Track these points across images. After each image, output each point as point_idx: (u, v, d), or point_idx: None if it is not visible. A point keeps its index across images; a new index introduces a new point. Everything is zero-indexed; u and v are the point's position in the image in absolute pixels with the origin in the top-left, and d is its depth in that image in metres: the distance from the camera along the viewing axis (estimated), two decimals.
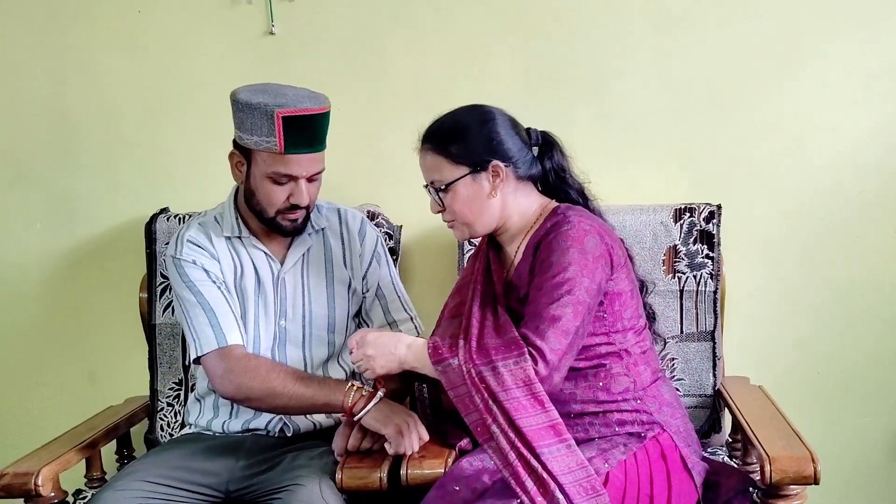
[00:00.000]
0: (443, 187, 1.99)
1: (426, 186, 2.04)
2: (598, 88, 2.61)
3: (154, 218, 2.57)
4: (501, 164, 1.97)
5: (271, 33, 2.65)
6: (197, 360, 2.17)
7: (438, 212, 2.05)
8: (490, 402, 1.80)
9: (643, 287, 2.12)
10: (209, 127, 2.61)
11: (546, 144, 2.07)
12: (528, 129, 2.07)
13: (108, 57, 2.71)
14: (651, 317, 2.15)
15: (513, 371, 1.81)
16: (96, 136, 2.75)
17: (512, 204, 2.01)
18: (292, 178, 2.12)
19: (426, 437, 2.01)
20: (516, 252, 2.04)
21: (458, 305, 2.09)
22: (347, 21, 2.65)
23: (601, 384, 1.94)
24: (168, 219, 2.56)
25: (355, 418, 2.00)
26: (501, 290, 2.03)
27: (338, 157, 2.57)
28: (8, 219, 2.79)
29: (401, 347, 1.95)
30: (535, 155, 2.05)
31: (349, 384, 2.05)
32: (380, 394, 2.01)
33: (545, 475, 1.75)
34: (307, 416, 2.23)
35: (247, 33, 2.67)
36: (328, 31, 2.65)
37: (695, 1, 2.55)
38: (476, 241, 2.30)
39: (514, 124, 2.04)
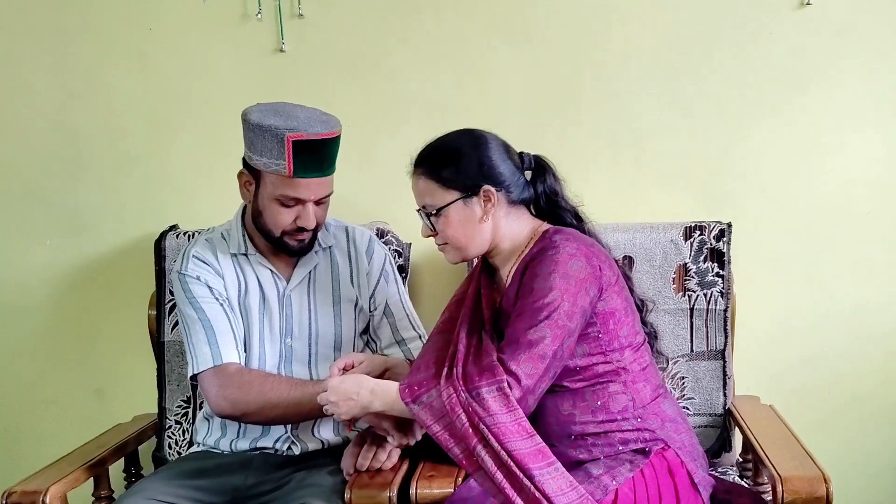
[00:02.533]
0: (434, 212, 2.00)
1: (418, 210, 2.05)
2: (607, 105, 2.61)
3: (163, 235, 2.57)
4: (493, 189, 1.97)
5: (281, 50, 2.66)
6: (194, 378, 2.17)
7: (429, 235, 2.06)
8: (479, 425, 1.79)
9: (643, 305, 2.12)
10: (218, 144, 2.61)
11: (539, 168, 2.07)
12: (520, 154, 2.07)
13: (117, 73, 2.72)
14: (653, 335, 2.14)
15: (496, 397, 1.81)
16: (105, 153, 2.75)
17: (504, 228, 2.02)
18: (300, 202, 2.12)
19: None
20: (508, 276, 2.04)
21: (447, 321, 2.09)
22: (356, 38, 2.65)
23: (599, 403, 1.93)
24: (177, 236, 2.56)
25: (356, 424, 1.98)
26: (489, 315, 2.04)
27: (347, 174, 2.57)
28: (17, 235, 2.80)
29: (363, 393, 1.94)
30: (528, 179, 2.06)
31: None
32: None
33: (539, 496, 1.74)
34: (315, 433, 2.23)
35: (256, 50, 2.67)
36: (337, 47, 2.66)
37: (704, 18, 2.55)
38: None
39: (507, 149, 2.05)
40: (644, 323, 2.09)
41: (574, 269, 1.89)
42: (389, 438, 2.00)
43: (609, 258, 2.02)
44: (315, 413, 2.07)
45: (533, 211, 2.09)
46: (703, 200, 2.59)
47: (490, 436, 1.78)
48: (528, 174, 2.06)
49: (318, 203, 2.15)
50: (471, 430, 1.80)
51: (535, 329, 1.85)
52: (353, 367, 2.08)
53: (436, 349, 2.02)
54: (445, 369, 1.90)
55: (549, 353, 1.84)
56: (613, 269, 2.00)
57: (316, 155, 2.08)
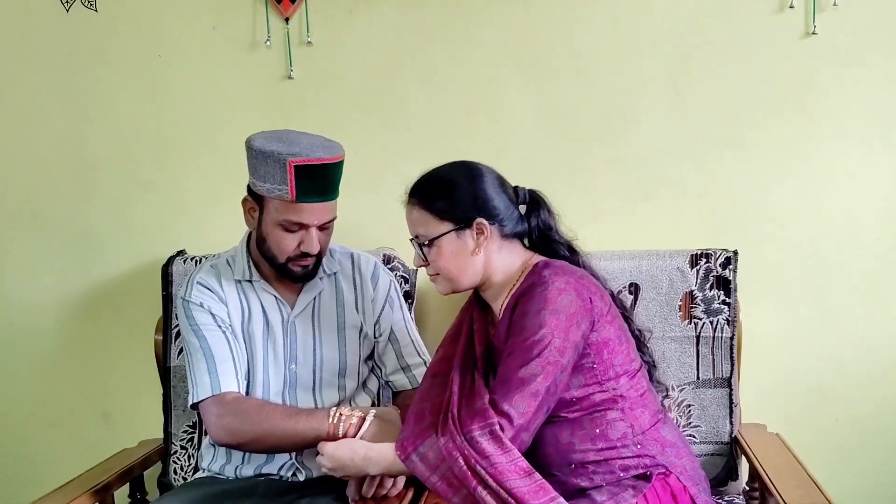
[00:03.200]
0: (427, 242, 2.01)
1: (411, 240, 2.06)
2: (614, 132, 2.62)
3: (171, 260, 2.58)
4: (486, 222, 1.98)
5: (290, 77, 2.68)
6: (194, 406, 2.18)
7: (421, 265, 2.06)
8: (476, 467, 1.80)
9: (641, 336, 2.12)
10: (227, 170, 2.63)
11: (533, 203, 2.08)
12: (515, 188, 2.08)
13: (128, 100, 2.75)
14: (652, 365, 2.14)
15: (489, 440, 1.82)
16: (114, 178, 2.78)
17: (496, 261, 2.02)
18: (303, 227, 2.13)
19: None
20: (500, 310, 2.04)
21: (441, 362, 2.10)
22: (365, 65, 2.67)
23: (598, 431, 1.93)
24: (185, 261, 2.57)
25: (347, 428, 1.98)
26: (482, 351, 2.04)
27: (354, 200, 2.59)
28: (25, 258, 2.82)
29: (357, 461, 1.97)
30: (522, 213, 2.07)
31: (333, 411, 2.04)
32: (370, 417, 1.98)
33: None
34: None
35: (265, 77, 2.69)
36: (346, 75, 2.68)
37: (710, 43, 2.56)
38: None
39: (502, 182, 2.05)
40: (642, 352, 2.09)
41: (564, 304, 1.89)
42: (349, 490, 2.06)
43: (600, 289, 2.01)
44: (309, 443, 2.07)
45: (526, 244, 2.10)
46: (710, 228, 2.58)
47: (488, 477, 1.79)
48: (523, 208, 2.07)
49: (321, 228, 2.16)
50: (470, 474, 1.81)
51: (526, 367, 1.86)
52: None
53: (429, 397, 2.03)
54: (441, 416, 1.91)
55: (541, 391, 1.85)
56: (605, 300, 1.99)
57: (318, 180, 2.09)
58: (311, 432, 2.03)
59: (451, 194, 2.00)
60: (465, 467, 1.81)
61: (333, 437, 2.01)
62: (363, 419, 2.03)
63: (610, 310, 1.99)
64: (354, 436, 2.01)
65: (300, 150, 2.06)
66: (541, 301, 1.89)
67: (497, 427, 1.82)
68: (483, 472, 1.79)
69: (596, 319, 1.94)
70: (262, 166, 2.09)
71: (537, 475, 1.81)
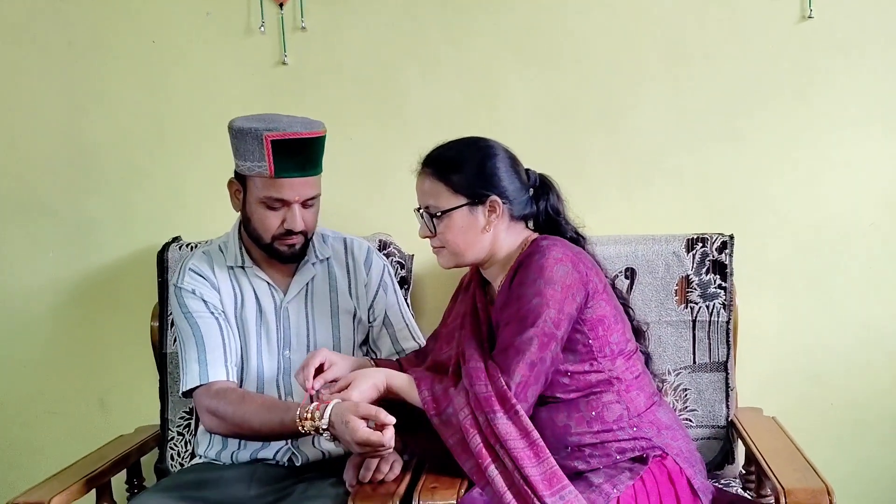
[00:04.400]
0: (438, 213, 2.01)
1: (418, 210, 2.06)
2: (612, 119, 2.62)
3: (166, 247, 2.58)
4: (499, 201, 1.99)
5: (284, 63, 2.67)
6: (184, 394, 2.18)
7: (426, 237, 2.07)
8: (495, 446, 1.83)
9: (638, 331, 2.12)
10: (222, 156, 2.60)
11: (543, 187, 2.10)
12: (527, 170, 2.09)
13: (123, 87, 2.74)
14: (648, 357, 2.14)
15: (510, 422, 1.84)
16: (110, 165, 2.77)
17: (503, 241, 2.04)
18: (285, 203, 2.13)
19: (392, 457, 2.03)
20: (498, 286, 2.05)
21: (451, 333, 2.12)
22: (360, 51, 2.66)
23: (594, 413, 1.94)
24: (180, 247, 2.57)
25: (320, 431, 1.94)
26: (487, 333, 2.04)
27: (350, 186, 2.60)
28: (21, 246, 2.81)
29: (379, 375, 1.99)
30: (531, 196, 2.07)
31: (304, 404, 1.98)
32: (333, 402, 1.93)
33: None
34: (315, 445, 2.23)
35: (259, 63, 2.69)
36: (341, 61, 2.67)
37: (707, 30, 2.56)
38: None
39: (515, 163, 2.07)
40: (638, 340, 2.10)
41: (559, 274, 1.90)
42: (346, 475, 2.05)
43: (596, 267, 2.03)
44: (287, 434, 2.05)
45: (531, 227, 2.11)
46: (708, 215, 2.58)
47: (506, 458, 1.81)
48: (532, 191, 2.08)
49: (305, 205, 2.16)
50: (484, 450, 1.83)
51: (521, 336, 1.88)
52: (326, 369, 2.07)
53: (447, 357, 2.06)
54: (462, 389, 1.92)
55: (536, 361, 1.87)
56: (601, 277, 2.01)
57: (297, 154, 2.09)
58: (280, 426, 2.01)
59: (468, 169, 2.00)
60: (480, 444, 1.84)
61: (297, 432, 1.97)
62: (325, 409, 1.95)
63: (605, 288, 2.00)
64: (319, 421, 1.94)
65: (277, 126, 2.08)
66: (537, 270, 1.91)
67: (518, 410, 1.84)
68: (502, 452, 1.82)
69: (591, 294, 1.95)
70: (242, 144, 2.11)
71: (551, 461, 1.83)
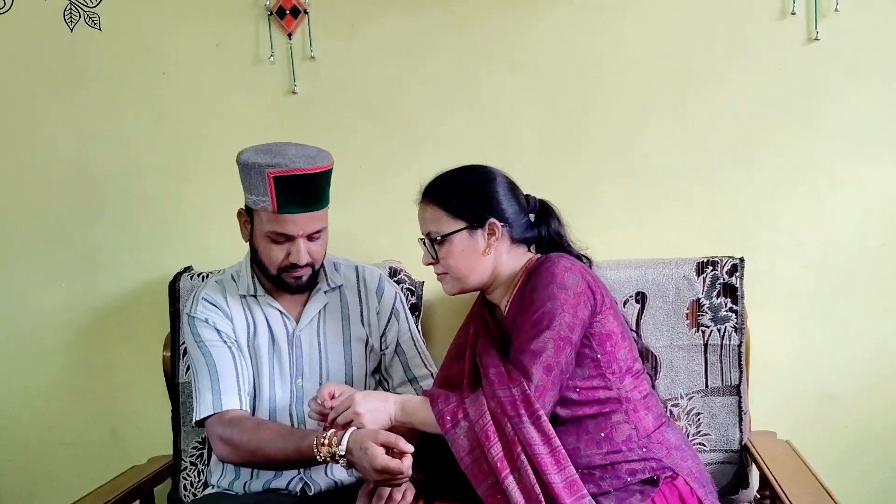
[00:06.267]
0: (439, 238, 2.04)
1: (421, 239, 2.09)
2: (621, 143, 2.62)
3: (178, 276, 2.59)
4: (498, 223, 2.03)
5: (293, 92, 2.69)
6: (197, 424, 2.19)
7: (430, 263, 2.10)
8: (520, 456, 1.82)
9: (644, 355, 2.12)
10: (232, 186, 2.60)
11: (543, 212, 2.13)
12: (526, 196, 2.13)
13: (133, 117, 2.76)
14: (652, 377, 2.14)
15: (535, 428, 1.84)
16: (121, 195, 2.78)
17: (504, 263, 2.06)
18: (288, 238, 2.14)
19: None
20: (506, 306, 2.07)
21: (459, 373, 2.10)
22: (368, 78, 2.68)
23: (603, 435, 1.94)
24: (192, 277, 2.58)
25: (337, 458, 1.94)
26: (501, 343, 2.05)
27: (360, 213, 2.60)
28: (34, 276, 2.82)
29: (389, 403, 1.98)
30: (532, 221, 2.11)
31: (320, 433, 1.98)
32: (351, 430, 1.94)
33: None
34: (327, 474, 2.22)
35: (269, 92, 2.70)
36: (350, 89, 2.68)
37: (716, 55, 2.56)
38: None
39: (514, 188, 2.11)
40: (644, 359, 2.09)
41: (570, 281, 1.93)
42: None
43: (602, 283, 2.04)
44: (304, 462, 2.05)
45: (534, 251, 2.13)
46: (717, 238, 2.58)
47: (527, 466, 1.81)
48: (533, 217, 2.11)
49: (311, 239, 2.17)
50: (504, 460, 1.83)
51: (537, 340, 1.89)
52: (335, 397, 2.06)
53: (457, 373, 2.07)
54: (479, 397, 1.91)
55: (552, 364, 1.88)
56: (607, 293, 2.03)
57: (299, 190, 2.10)
58: (296, 454, 2.00)
59: (466, 193, 2.05)
60: (500, 454, 1.83)
61: (313, 459, 1.97)
62: (343, 436, 1.96)
63: (612, 304, 2.02)
64: (336, 448, 1.95)
65: (280, 162, 2.08)
66: (549, 276, 1.94)
67: (541, 413, 1.84)
68: (524, 460, 1.81)
69: (598, 305, 1.97)
70: (247, 178, 2.13)
71: (571, 469, 1.84)
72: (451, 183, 2.08)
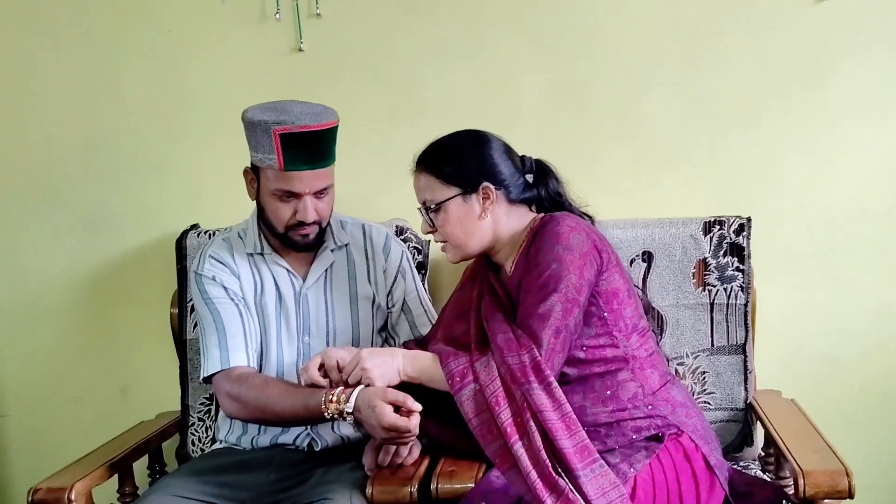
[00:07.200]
0: (433, 206, 2.04)
1: (419, 208, 2.09)
2: (625, 104, 2.61)
3: (185, 234, 2.59)
4: (492, 187, 2.02)
5: (300, 50, 2.68)
6: (205, 380, 2.20)
7: (429, 232, 2.10)
8: (529, 422, 1.82)
9: (647, 310, 2.13)
10: (238, 144, 2.60)
11: (540, 172, 2.11)
12: (522, 157, 2.11)
13: (138, 75, 2.75)
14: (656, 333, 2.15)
15: (545, 394, 1.84)
16: (125, 154, 2.78)
17: (504, 225, 2.06)
18: (295, 195, 2.14)
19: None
20: (511, 267, 2.06)
21: (464, 334, 2.08)
22: (376, 38, 2.66)
23: (609, 393, 1.95)
24: (198, 235, 2.58)
25: (345, 415, 1.95)
26: (508, 305, 2.04)
27: (366, 172, 2.60)
28: (39, 236, 2.83)
29: (398, 358, 1.98)
30: (530, 182, 2.09)
31: (327, 391, 1.99)
32: (360, 387, 1.94)
33: (574, 496, 1.75)
34: (334, 430, 2.24)
35: (275, 50, 2.69)
36: (356, 47, 2.67)
37: (720, 15, 2.54)
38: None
39: (508, 150, 2.09)
40: (648, 314, 2.11)
41: (576, 241, 1.93)
42: (365, 459, 2.05)
43: (606, 240, 2.04)
44: (312, 419, 2.06)
45: (535, 210, 2.12)
46: (722, 199, 2.57)
47: (536, 433, 1.81)
48: (530, 177, 2.10)
49: (317, 196, 2.17)
50: (513, 426, 1.83)
51: (544, 303, 1.89)
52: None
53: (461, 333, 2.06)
54: (488, 362, 1.91)
55: (561, 327, 1.88)
56: (612, 250, 2.03)
57: (306, 148, 2.09)
58: (304, 411, 2.01)
59: (458, 159, 2.04)
60: (510, 419, 1.83)
61: (321, 416, 1.98)
62: (351, 393, 1.96)
63: (618, 262, 2.02)
64: (344, 405, 1.95)
65: (286, 119, 2.07)
66: (553, 237, 1.93)
67: (552, 379, 1.84)
68: (533, 426, 1.81)
69: (604, 264, 1.96)
70: (253, 136, 2.12)
71: (582, 433, 1.83)
72: (442, 150, 2.07)
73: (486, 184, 2.02)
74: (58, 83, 2.77)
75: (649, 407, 1.95)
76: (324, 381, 2.01)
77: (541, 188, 2.10)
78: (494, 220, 2.04)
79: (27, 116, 2.79)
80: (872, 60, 2.51)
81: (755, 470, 2.28)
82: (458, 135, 2.09)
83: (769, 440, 2.26)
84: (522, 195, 2.07)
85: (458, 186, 2.03)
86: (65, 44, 2.75)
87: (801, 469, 1.86)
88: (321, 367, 2.03)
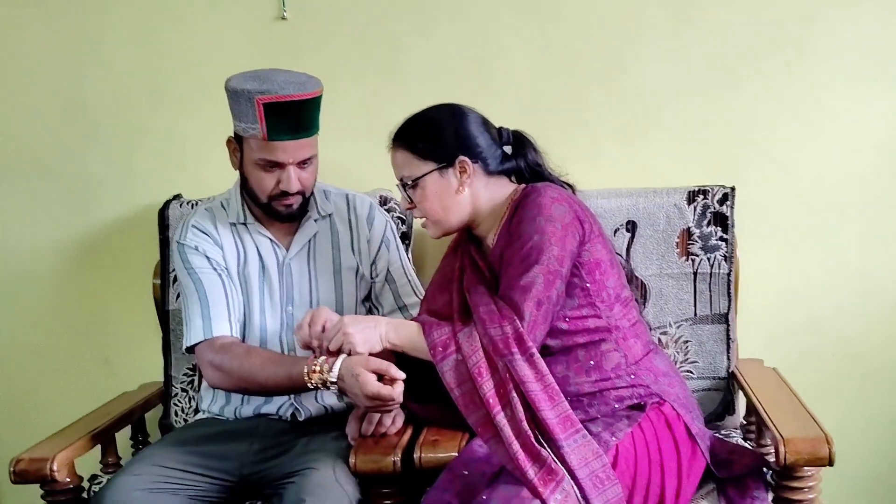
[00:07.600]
0: (411, 182, 2.03)
1: (397, 185, 2.08)
2: (611, 71, 2.60)
3: (167, 204, 2.57)
4: (468, 160, 2.01)
5: (283, 18, 2.65)
6: (188, 350, 2.20)
7: (409, 208, 2.09)
8: (511, 393, 1.82)
9: (630, 279, 2.13)
10: (221, 113, 2.58)
11: (518, 143, 2.10)
12: (499, 129, 2.10)
13: (121, 43, 2.72)
14: (638, 302, 2.15)
15: (528, 365, 1.84)
16: (108, 123, 2.76)
17: (483, 198, 2.05)
18: (279, 165, 2.13)
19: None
20: (493, 238, 2.06)
21: (446, 306, 2.08)
22: (359, 6, 2.64)
23: (592, 363, 1.96)
24: (181, 205, 2.56)
25: (328, 385, 1.95)
26: (491, 277, 2.04)
27: (350, 142, 2.58)
28: (22, 206, 2.81)
29: (381, 325, 1.97)
30: (508, 153, 2.08)
31: (311, 359, 1.98)
32: (342, 356, 1.95)
33: (556, 466, 1.76)
34: (317, 399, 2.24)
35: (258, 18, 2.66)
36: (340, 16, 2.65)
37: None
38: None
39: (484, 122, 2.08)
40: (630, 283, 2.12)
41: (557, 212, 1.92)
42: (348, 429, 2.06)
43: (589, 211, 2.04)
44: (295, 389, 2.07)
45: (514, 181, 2.11)
46: (708, 167, 2.57)
47: (518, 404, 1.81)
48: (508, 149, 2.09)
49: (300, 166, 2.16)
50: (496, 397, 1.83)
51: (526, 275, 1.89)
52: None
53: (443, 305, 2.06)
54: (471, 333, 1.91)
55: (543, 299, 1.88)
56: (595, 220, 2.03)
57: (289, 117, 2.08)
58: (287, 380, 2.02)
59: (433, 134, 2.03)
60: (492, 391, 1.84)
61: (304, 386, 1.98)
62: (334, 362, 1.96)
63: (600, 231, 2.02)
64: (327, 374, 1.95)
65: (270, 88, 2.06)
66: (535, 209, 1.93)
67: (534, 350, 1.85)
68: (516, 397, 1.81)
69: (587, 234, 1.96)
70: (237, 105, 2.10)
71: (565, 404, 1.84)
72: (417, 125, 2.06)
73: (462, 157, 2.01)
74: (39, 50, 2.74)
75: (632, 376, 1.95)
76: (315, 343, 2.00)
77: (519, 159, 2.09)
78: (473, 194, 2.03)
79: (7, 83, 2.76)
80: (857, 27, 2.51)
81: (737, 438, 2.29)
82: (432, 109, 2.08)
83: (751, 409, 2.28)
84: (501, 167, 2.06)
85: (434, 161, 2.02)
86: (46, 10, 2.72)
87: (781, 437, 1.87)
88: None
